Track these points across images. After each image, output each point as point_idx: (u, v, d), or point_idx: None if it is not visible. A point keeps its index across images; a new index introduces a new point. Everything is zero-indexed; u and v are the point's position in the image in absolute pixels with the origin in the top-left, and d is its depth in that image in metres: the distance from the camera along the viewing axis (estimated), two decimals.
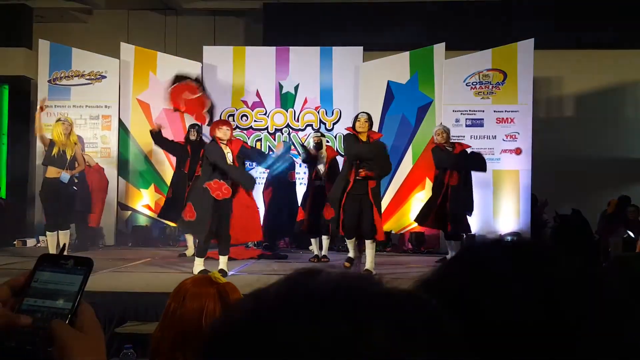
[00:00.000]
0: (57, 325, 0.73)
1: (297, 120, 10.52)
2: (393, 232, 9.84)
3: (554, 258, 0.62)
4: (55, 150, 7.36)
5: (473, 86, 9.97)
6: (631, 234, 8.79)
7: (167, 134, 10.16)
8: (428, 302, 0.48)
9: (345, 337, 0.40)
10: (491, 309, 0.57)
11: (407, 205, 10.06)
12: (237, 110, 10.54)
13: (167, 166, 10.22)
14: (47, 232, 7.53)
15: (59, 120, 7.63)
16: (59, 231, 7.42)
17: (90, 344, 0.73)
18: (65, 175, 7.35)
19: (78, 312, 0.75)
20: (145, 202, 10.44)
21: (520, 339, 0.56)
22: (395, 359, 0.40)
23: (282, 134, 10.30)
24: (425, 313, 0.45)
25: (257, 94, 10.57)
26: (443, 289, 0.60)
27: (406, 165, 10.11)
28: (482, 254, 0.64)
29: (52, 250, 7.00)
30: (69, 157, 7.37)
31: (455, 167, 7.48)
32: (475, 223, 9.54)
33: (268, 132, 10.54)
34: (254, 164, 8.63)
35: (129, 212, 10.56)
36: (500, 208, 9.83)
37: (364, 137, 6.65)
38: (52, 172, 7.40)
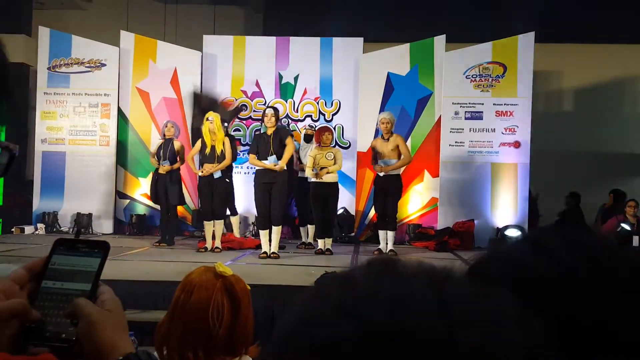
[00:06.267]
0: (83, 302, 0.75)
1: (297, 111, 10.51)
2: None
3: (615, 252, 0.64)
4: (207, 149, 7.84)
5: (473, 79, 9.96)
6: (627, 226, 8.83)
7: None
8: (512, 299, 0.47)
9: (442, 335, 0.41)
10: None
11: (405, 197, 10.06)
12: (236, 99, 10.53)
13: None
14: (204, 222, 8.14)
15: (207, 119, 7.92)
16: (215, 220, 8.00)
17: (115, 320, 0.76)
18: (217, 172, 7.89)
19: (98, 292, 0.77)
20: (143, 190, 10.43)
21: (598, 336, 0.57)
22: (488, 356, 0.41)
23: (281, 124, 10.29)
24: (512, 310, 0.45)
25: (257, 84, 10.55)
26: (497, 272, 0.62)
27: None
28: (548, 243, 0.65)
29: (209, 237, 7.93)
30: (218, 153, 7.82)
31: None
32: (472, 215, 9.60)
33: None
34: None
35: (127, 201, 10.57)
36: (498, 201, 9.84)
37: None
38: (207, 168, 7.89)
